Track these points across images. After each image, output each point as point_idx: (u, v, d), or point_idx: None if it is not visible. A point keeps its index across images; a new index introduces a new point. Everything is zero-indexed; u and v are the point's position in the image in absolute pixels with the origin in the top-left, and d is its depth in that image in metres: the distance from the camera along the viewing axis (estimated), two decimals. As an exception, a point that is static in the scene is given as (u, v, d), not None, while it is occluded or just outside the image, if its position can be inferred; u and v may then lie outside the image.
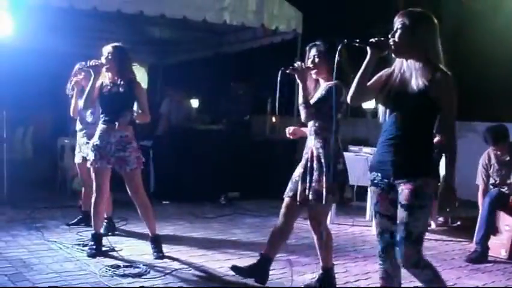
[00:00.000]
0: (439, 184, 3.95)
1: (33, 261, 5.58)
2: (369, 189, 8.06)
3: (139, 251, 6.18)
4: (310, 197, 4.83)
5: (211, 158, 9.27)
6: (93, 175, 6.04)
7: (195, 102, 12.71)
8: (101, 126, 6.00)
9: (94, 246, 5.98)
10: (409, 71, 3.72)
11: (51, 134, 10.86)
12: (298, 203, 4.94)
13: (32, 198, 8.83)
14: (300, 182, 4.92)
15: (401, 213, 3.68)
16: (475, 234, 6.64)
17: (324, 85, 4.91)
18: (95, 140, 5.99)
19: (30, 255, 5.82)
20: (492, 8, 11.46)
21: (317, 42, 4.97)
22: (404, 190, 3.68)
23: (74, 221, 7.28)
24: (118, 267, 5.44)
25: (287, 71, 4.83)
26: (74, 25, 10.16)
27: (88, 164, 6.07)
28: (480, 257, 6.42)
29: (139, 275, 5.27)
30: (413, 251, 3.65)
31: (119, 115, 5.90)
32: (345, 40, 3.82)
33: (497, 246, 6.59)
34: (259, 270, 5.10)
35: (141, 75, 11.58)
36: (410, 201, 3.64)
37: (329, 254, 5.17)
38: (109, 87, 5.99)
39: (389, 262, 3.88)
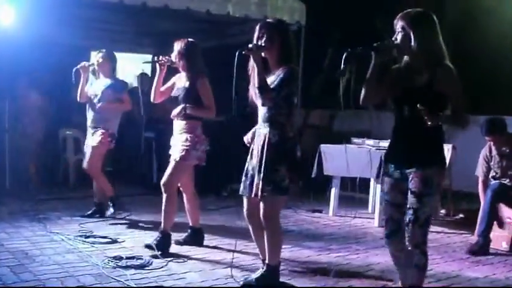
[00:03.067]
0: None
1: (35, 253, 5.59)
2: (372, 181, 8.14)
3: (142, 242, 6.17)
4: (266, 188, 4.56)
5: (214, 149, 9.25)
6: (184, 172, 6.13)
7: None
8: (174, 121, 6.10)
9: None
10: (414, 67, 3.94)
11: (54, 125, 10.85)
12: (253, 196, 4.69)
13: (35, 189, 8.85)
14: (256, 174, 4.67)
15: (411, 199, 3.93)
16: (477, 227, 6.63)
17: (279, 70, 4.59)
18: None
19: (33, 246, 5.83)
20: (498, 1, 11.40)
21: (269, 20, 4.80)
22: (414, 178, 3.92)
23: (88, 213, 7.32)
24: (120, 258, 5.44)
25: (243, 52, 4.49)
26: (76, 16, 10.11)
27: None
28: (481, 249, 6.41)
29: (141, 267, 5.28)
30: (419, 233, 3.92)
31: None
32: (349, 49, 3.90)
33: (498, 239, 6.58)
34: (268, 279, 4.82)
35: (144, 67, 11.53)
36: (419, 188, 3.89)
37: (275, 251, 4.79)
38: (179, 82, 6.11)
39: (394, 246, 4.16)
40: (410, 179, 3.95)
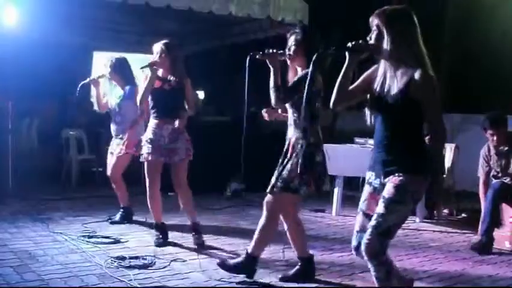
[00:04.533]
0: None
1: (38, 253, 5.60)
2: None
3: (145, 242, 6.20)
4: (278, 183, 4.82)
5: (217, 149, 9.25)
6: (146, 169, 6.21)
7: (200, 94, 12.76)
8: (153, 121, 6.15)
9: (160, 236, 6.21)
10: (390, 72, 3.62)
11: (56, 125, 10.88)
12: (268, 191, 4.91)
13: (37, 189, 8.86)
14: (275, 173, 4.93)
15: (379, 205, 3.62)
16: (479, 226, 6.62)
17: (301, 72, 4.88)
18: (148, 134, 6.13)
19: (36, 246, 5.84)
20: (500, 1, 11.38)
21: (296, 30, 4.97)
22: (388, 184, 3.63)
23: (116, 219, 7.27)
24: (123, 258, 5.44)
25: (257, 57, 4.79)
26: (79, 16, 10.14)
27: (142, 158, 6.19)
28: (485, 248, 6.40)
29: (144, 266, 5.28)
30: (375, 241, 3.58)
31: (174, 111, 6.10)
32: (320, 50, 3.81)
33: (501, 238, 6.57)
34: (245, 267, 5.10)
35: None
36: (390, 194, 3.58)
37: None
38: (160, 83, 6.13)
39: (361, 257, 3.75)
40: (386, 185, 3.65)
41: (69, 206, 7.97)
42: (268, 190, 4.91)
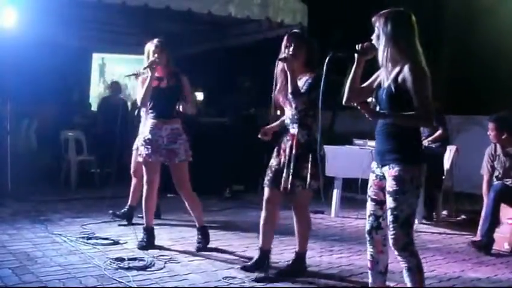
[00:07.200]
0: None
1: (37, 254, 5.59)
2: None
3: (143, 243, 6.20)
4: (296, 183, 4.99)
5: (216, 151, 9.26)
6: (144, 170, 6.17)
7: (200, 95, 12.76)
8: (151, 121, 6.11)
9: (145, 239, 6.11)
10: (387, 67, 3.88)
11: (55, 127, 10.89)
12: (282, 190, 5.06)
13: (36, 191, 8.86)
14: (284, 170, 5.04)
15: (387, 200, 3.90)
16: (479, 228, 6.63)
17: (305, 76, 5.04)
18: (146, 134, 6.10)
19: (35, 248, 5.83)
20: (500, 1, 11.38)
21: (295, 31, 5.14)
22: (388, 177, 3.91)
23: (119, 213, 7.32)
24: (122, 260, 5.43)
25: (280, 61, 5.01)
26: (78, 17, 10.14)
27: (139, 158, 6.18)
28: (485, 248, 6.40)
29: (143, 268, 5.27)
30: (401, 234, 3.84)
31: (172, 111, 6.10)
32: (331, 53, 3.99)
33: (500, 240, 6.57)
34: (262, 264, 5.26)
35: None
36: (392, 187, 3.86)
37: (305, 239, 5.28)
38: (157, 82, 6.10)
39: (374, 245, 4.11)
40: (386, 178, 3.93)
41: (68, 207, 7.97)
42: (288, 190, 5.04)
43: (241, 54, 12.31)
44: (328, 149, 8.08)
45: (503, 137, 6.69)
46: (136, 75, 6.70)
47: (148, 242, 6.08)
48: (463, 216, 8.48)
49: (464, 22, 11.70)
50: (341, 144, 8.36)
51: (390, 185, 3.86)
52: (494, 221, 6.54)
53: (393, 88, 3.80)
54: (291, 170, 5.00)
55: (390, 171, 3.87)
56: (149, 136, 6.04)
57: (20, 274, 4.94)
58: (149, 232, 6.17)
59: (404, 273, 3.94)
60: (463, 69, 11.37)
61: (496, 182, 6.75)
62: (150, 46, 6.12)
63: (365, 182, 7.73)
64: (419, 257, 3.97)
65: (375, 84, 4.04)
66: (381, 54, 3.87)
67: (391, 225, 3.85)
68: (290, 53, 4.99)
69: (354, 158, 7.87)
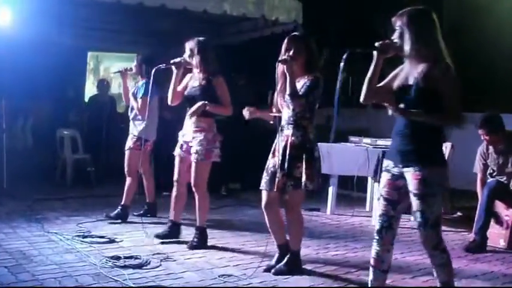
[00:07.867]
0: None
1: (33, 253, 5.58)
2: (369, 180, 8.13)
3: (140, 241, 6.20)
4: (288, 182, 5.01)
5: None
6: (176, 165, 6.28)
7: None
8: (186, 119, 6.19)
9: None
10: (411, 65, 3.94)
11: (51, 124, 10.88)
12: (275, 190, 5.09)
13: (32, 189, 8.85)
14: (278, 170, 5.05)
15: (414, 202, 3.92)
16: (474, 225, 6.64)
17: (304, 78, 5.07)
18: (182, 131, 6.22)
19: (31, 246, 5.83)
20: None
21: (295, 34, 5.18)
22: (413, 180, 3.89)
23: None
24: (118, 258, 5.43)
25: (280, 63, 5.02)
26: (73, 15, 10.11)
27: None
28: (479, 247, 6.43)
29: (139, 266, 5.28)
30: (432, 234, 3.95)
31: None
32: (348, 50, 3.96)
33: (495, 236, 6.59)
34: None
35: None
36: (420, 190, 3.87)
37: (298, 238, 5.30)
38: (192, 81, 6.18)
39: (381, 244, 4.14)
40: (409, 180, 3.92)
41: (64, 206, 7.97)
42: (280, 189, 5.07)
43: (236, 52, 12.31)
44: (323, 146, 8.16)
45: (498, 137, 6.69)
46: (121, 72, 6.75)
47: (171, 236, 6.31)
48: (459, 213, 8.48)
49: (460, 19, 11.71)
50: (336, 142, 8.36)
51: (417, 187, 3.87)
52: (488, 218, 6.55)
53: (422, 86, 3.82)
54: (285, 170, 5.01)
55: (417, 173, 3.87)
56: (182, 133, 6.21)
57: (16, 273, 4.94)
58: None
59: (436, 268, 4.05)
60: (458, 67, 11.37)
61: (490, 180, 6.76)
62: (187, 45, 6.24)
63: (361, 179, 7.84)
64: (448, 252, 4.07)
65: (395, 83, 4.03)
66: (408, 52, 3.90)
67: (421, 227, 3.92)
68: (290, 55, 5.01)
69: (349, 156, 7.88)
